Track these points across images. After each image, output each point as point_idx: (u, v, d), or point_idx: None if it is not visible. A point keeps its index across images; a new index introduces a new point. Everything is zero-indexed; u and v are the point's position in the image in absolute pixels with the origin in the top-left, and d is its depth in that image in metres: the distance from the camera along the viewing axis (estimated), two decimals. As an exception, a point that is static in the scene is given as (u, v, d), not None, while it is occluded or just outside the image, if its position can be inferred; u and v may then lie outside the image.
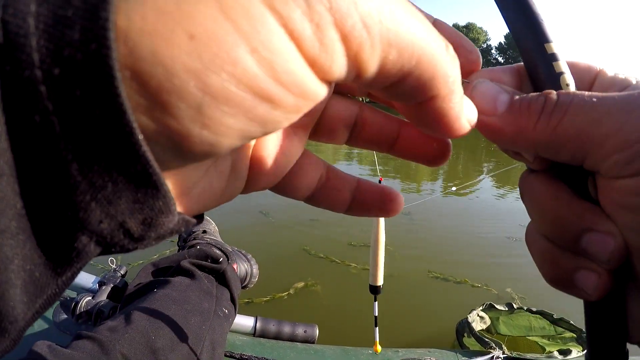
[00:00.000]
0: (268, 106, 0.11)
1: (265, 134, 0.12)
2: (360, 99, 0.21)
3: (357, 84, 0.13)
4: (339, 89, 0.19)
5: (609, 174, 0.16)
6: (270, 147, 0.17)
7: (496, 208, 3.64)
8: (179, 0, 0.09)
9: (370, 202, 0.20)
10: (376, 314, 0.73)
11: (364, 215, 0.21)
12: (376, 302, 0.73)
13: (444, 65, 0.13)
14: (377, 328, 0.73)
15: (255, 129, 0.11)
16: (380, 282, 0.72)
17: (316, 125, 0.19)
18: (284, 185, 0.19)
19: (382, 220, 0.71)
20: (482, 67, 0.19)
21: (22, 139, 0.09)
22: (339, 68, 0.11)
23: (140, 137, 0.10)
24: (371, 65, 0.12)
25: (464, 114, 0.15)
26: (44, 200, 0.10)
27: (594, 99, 0.16)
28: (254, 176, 0.17)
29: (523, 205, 0.20)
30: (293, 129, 0.18)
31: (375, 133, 0.20)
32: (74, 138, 0.09)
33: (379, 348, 0.73)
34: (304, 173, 0.19)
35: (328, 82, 0.12)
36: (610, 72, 0.19)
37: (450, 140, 0.19)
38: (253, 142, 0.17)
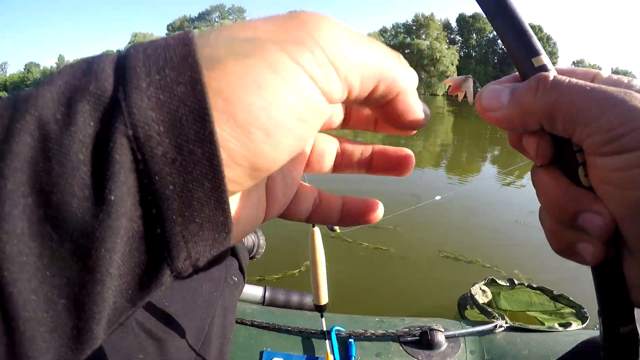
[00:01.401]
0: (304, 126, 0.16)
1: (300, 148, 0.17)
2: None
3: (349, 102, 0.18)
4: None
5: (590, 150, 0.20)
6: (278, 180, 0.22)
7: (503, 196, 3.73)
8: (245, 66, 0.14)
9: (355, 213, 0.25)
10: (324, 329, 0.77)
11: (353, 225, 0.26)
12: (323, 319, 0.74)
13: (399, 70, 0.18)
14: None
15: (296, 144, 0.16)
16: (324, 301, 0.70)
17: (309, 158, 0.25)
18: (289, 210, 0.24)
19: (318, 237, 0.69)
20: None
21: (145, 206, 0.13)
22: (338, 90, 0.16)
23: (228, 204, 0.14)
24: (355, 83, 0.17)
25: (421, 106, 0.20)
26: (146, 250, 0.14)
27: (588, 87, 0.19)
28: (268, 205, 0.22)
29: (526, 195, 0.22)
30: (294, 164, 0.23)
31: (354, 157, 0.26)
32: (182, 204, 0.14)
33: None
34: (303, 199, 0.25)
35: (332, 104, 0.17)
36: (604, 74, 0.22)
37: (412, 154, 0.25)
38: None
